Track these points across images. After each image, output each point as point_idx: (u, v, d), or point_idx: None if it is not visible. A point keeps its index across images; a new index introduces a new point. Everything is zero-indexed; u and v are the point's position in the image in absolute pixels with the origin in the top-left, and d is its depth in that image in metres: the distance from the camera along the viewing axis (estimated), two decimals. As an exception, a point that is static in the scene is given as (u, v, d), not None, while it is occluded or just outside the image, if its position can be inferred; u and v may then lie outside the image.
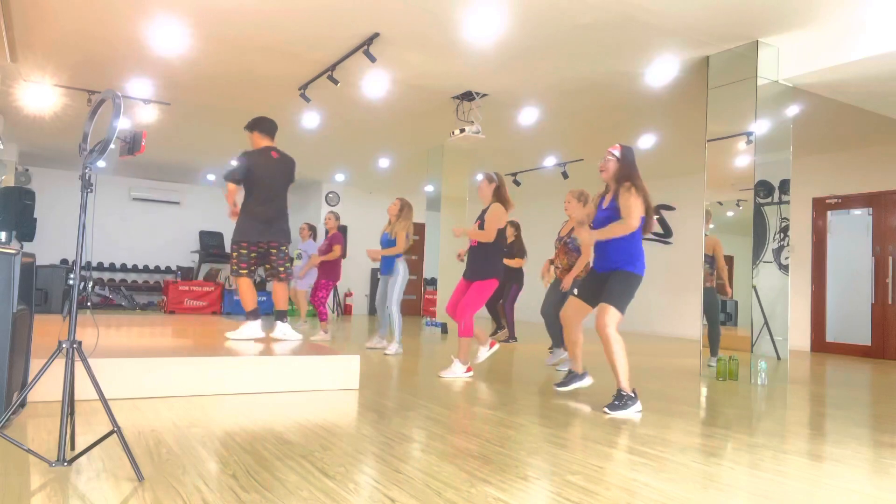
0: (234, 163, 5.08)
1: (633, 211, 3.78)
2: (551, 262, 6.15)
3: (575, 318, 4.11)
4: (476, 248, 5.02)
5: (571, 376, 4.36)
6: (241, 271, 4.90)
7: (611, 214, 3.92)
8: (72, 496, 1.97)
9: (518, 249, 8.00)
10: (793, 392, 4.86)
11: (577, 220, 4.27)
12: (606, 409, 3.72)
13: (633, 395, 3.79)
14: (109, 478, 2.15)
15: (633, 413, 3.72)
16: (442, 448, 2.74)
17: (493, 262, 4.97)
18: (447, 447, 2.76)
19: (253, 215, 4.96)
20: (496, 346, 5.38)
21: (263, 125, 5.16)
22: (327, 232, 7.91)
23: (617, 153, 4.01)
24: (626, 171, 3.94)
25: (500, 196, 5.04)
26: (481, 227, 4.96)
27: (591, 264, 5.56)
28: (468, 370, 4.98)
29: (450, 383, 4.59)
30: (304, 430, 2.96)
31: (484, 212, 5.08)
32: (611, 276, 3.88)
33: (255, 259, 4.98)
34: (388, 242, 6.50)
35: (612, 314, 3.76)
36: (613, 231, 3.81)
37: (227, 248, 13.33)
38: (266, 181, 5.02)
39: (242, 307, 4.94)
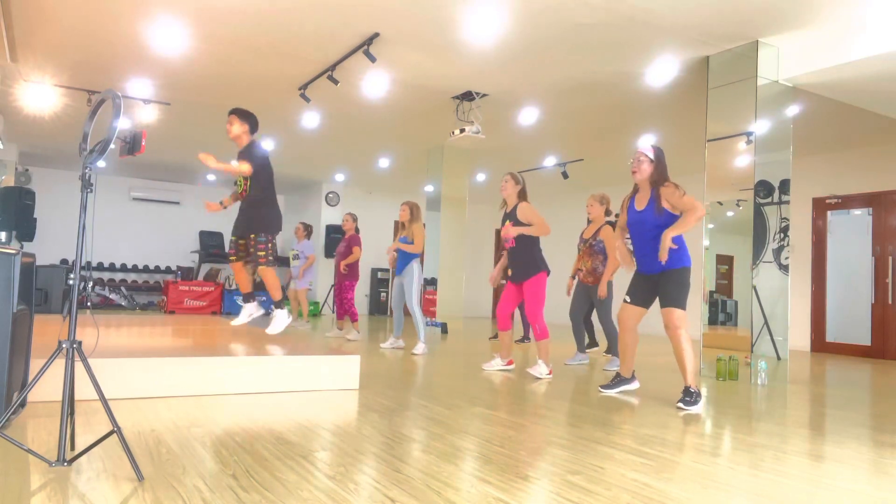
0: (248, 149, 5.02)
1: (695, 200, 3.94)
2: (573, 277, 6.21)
3: (630, 323, 4.21)
4: (516, 248, 5.09)
5: (619, 379, 4.41)
6: (274, 263, 5.00)
7: (651, 216, 4.01)
8: (72, 496, 1.97)
9: None
10: (793, 392, 4.86)
11: (622, 262, 4.40)
12: (680, 405, 3.90)
13: (699, 391, 3.97)
14: (109, 478, 2.15)
15: (699, 408, 3.91)
16: (442, 448, 2.74)
17: (537, 256, 5.09)
18: (447, 447, 2.76)
19: (276, 207, 5.08)
20: (512, 366, 5.43)
21: (256, 125, 5.14)
22: (335, 233, 7.98)
23: (651, 154, 4.08)
24: (661, 174, 4.06)
25: (524, 197, 5.19)
26: (515, 226, 5.06)
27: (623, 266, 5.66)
28: (549, 372, 5.09)
29: (451, 383, 4.59)
30: (304, 430, 2.96)
31: (512, 212, 5.16)
32: (664, 277, 4.02)
33: None
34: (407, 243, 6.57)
35: (679, 315, 3.95)
36: (688, 224, 3.88)
37: (225, 243, 13.33)
38: (272, 174, 5.12)
39: (273, 298, 5.02)
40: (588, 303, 6.09)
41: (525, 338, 8.30)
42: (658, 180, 4.04)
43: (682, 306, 3.98)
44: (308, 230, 9.21)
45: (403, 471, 2.38)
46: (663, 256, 3.85)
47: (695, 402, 3.90)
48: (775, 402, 4.35)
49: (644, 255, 4.13)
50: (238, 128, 5.01)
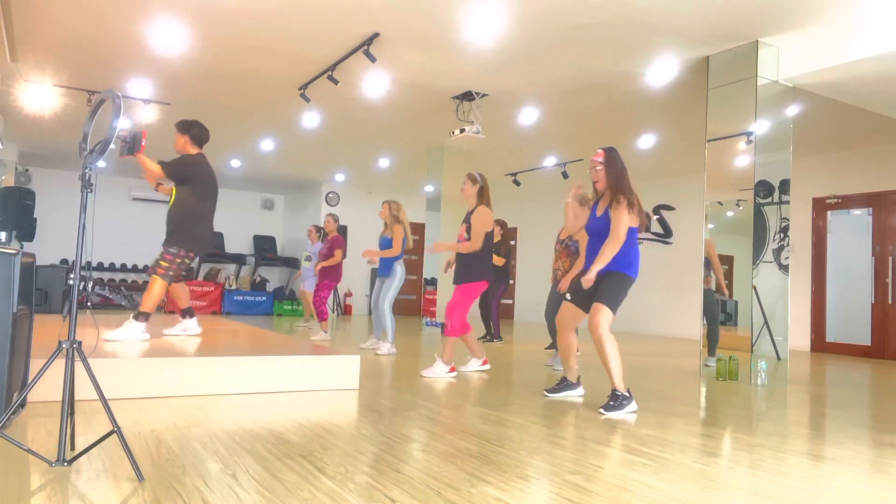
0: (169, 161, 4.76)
1: (620, 226, 3.78)
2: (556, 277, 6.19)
3: (569, 324, 4.04)
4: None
5: (564, 384, 4.22)
6: (172, 278, 4.69)
7: (605, 224, 3.89)
8: (72, 496, 1.97)
9: (504, 248, 8.00)
10: (793, 392, 4.86)
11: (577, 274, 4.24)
12: (602, 410, 3.69)
13: (627, 394, 3.78)
14: (109, 478, 2.15)
15: (627, 413, 3.70)
16: (442, 448, 2.74)
17: (481, 264, 4.94)
18: (447, 447, 2.76)
19: (205, 223, 4.78)
20: (488, 366, 5.35)
21: (200, 136, 4.88)
22: (325, 234, 7.96)
23: (601, 159, 3.94)
24: (616, 176, 3.89)
25: (483, 198, 5.03)
26: (468, 230, 4.93)
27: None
28: (451, 370, 4.94)
29: (450, 384, 4.59)
30: (304, 430, 2.96)
31: (470, 214, 5.04)
32: (604, 277, 3.83)
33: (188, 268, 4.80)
34: (387, 245, 6.51)
35: (604, 314, 3.73)
36: (608, 255, 3.77)
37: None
38: (214, 188, 4.86)
39: (141, 306, 4.60)
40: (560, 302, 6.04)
41: (496, 337, 8.17)
42: (615, 186, 3.87)
43: (612, 307, 3.76)
44: (320, 232, 9.22)
45: (403, 471, 2.38)
46: (588, 283, 3.78)
47: (619, 407, 3.70)
48: (775, 402, 4.35)
49: (592, 258, 3.93)
50: (179, 140, 4.83)
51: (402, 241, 6.35)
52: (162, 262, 4.68)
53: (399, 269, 6.36)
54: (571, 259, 5.89)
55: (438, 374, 4.86)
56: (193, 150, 4.85)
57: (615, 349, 3.76)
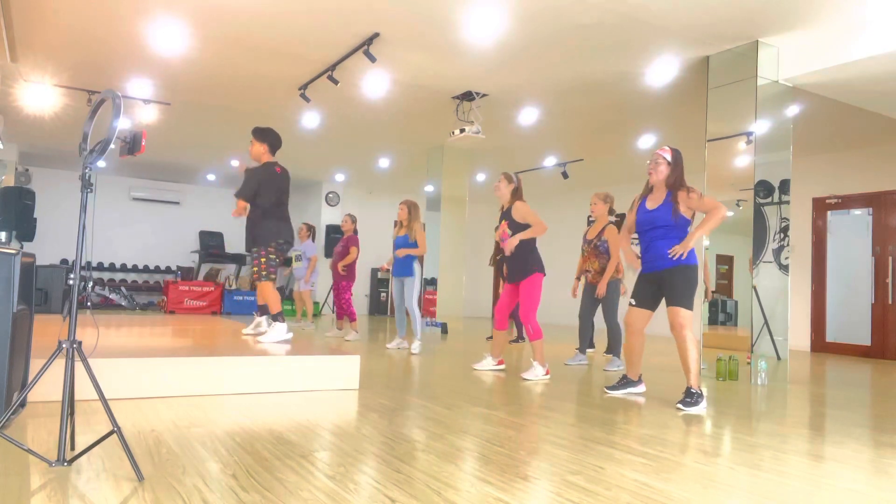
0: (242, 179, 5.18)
1: (718, 204, 3.96)
2: (578, 279, 6.28)
3: (637, 325, 4.20)
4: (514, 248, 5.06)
5: (625, 381, 4.40)
6: (271, 276, 5.07)
7: (662, 216, 4.03)
8: (72, 496, 1.97)
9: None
10: (793, 392, 4.86)
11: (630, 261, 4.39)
12: (680, 406, 3.89)
13: (701, 392, 3.94)
14: (109, 478, 2.15)
15: (701, 409, 3.87)
16: (442, 448, 2.74)
17: (534, 257, 5.04)
18: (447, 447, 2.75)
19: (274, 219, 5.14)
20: (503, 366, 5.43)
21: (276, 143, 5.24)
22: (335, 233, 8.00)
23: (668, 157, 4.09)
24: (678, 177, 4.07)
25: (519, 196, 5.15)
26: (511, 226, 5.03)
27: (623, 266, 5.69)
28: (546, 372, 5.04)
29: (451, 384, 4.59)
30: (304, 430, 2.96)
31: (507, 212, 5.13)
32: (668, 274, 4.00)
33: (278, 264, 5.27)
34: (403, 244, 6.52)
35: (684, 314, 3.93)
36: (712, 224, 3.91)
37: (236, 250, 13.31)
38: (276, 189, 5.24)
39: (270, 310, 5.03)
40: (596, 303, 6.07)
41: (519, 338, 8.25)
42: (674, 183, 4.05)
43: (688, 306, 3.95)
44: (311, 231, 9.19)
45: (403, 471, 2.38)
46: (679, 251, 3.90)
47: (695, 403, 3.88)
48: (775, 402, 4.35)
49: (649, 255, 4.11)
50: (257, 147, 5.14)
51: (424, 238, 6.46)
52: (253, 269, 5.09)
53: (418, 268, 6.45)
54: (600, 259, 5.91)
55: (538, 376, 4.96)
56: (268, 158, 5.18)
57: (696, 349, 3.98)
